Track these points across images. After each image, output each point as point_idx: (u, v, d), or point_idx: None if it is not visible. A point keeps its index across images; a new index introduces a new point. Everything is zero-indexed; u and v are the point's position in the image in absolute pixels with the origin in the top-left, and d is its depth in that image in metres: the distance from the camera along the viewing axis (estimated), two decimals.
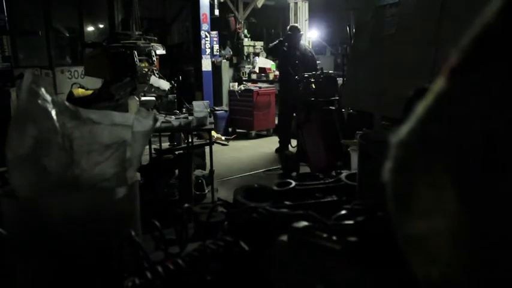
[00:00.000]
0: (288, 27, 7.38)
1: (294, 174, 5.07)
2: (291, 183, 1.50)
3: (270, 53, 8.76)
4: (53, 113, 1.16)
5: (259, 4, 10.33)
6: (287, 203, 1.37)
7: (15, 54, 8.62)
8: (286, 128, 6.83)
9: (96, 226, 1.15)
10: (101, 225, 1.16)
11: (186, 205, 1.19)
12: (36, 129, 1.14)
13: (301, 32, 7.55)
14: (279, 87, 7.72)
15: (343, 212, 1.05)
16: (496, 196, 0.35)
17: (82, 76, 8.78)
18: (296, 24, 7.90)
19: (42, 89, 1.15)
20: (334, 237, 0.93)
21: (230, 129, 9.33)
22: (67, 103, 1.23)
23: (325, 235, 0.95)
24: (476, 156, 0.36)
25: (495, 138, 0.35)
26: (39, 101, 1.14)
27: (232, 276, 1.03)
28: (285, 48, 6.88)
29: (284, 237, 1.00)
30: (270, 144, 7.73)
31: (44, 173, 1.16)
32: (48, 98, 1.16)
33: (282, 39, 7.36)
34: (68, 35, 10.52)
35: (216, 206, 1.26)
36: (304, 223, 1.00)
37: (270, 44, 7.85)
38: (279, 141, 7.06)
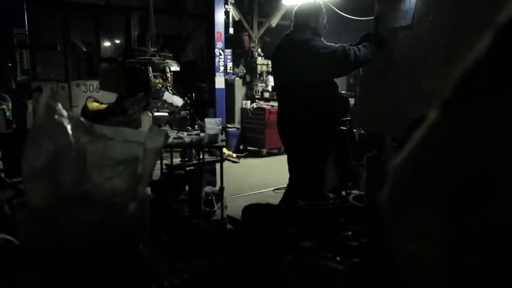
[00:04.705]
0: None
1: None
2: (298, 203, 1.52)
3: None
4: (69, 128, 1.19)
5: (274, 23, 10.45)
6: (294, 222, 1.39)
7: (34, 68, 8.80)
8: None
9: (105, 239, 1.17)
10: (110, 239, 1.18)
11: (194, 221, 1.21)
12: (52, 144, 1.17)
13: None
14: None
15: (348, 233, 1.07)
16: (481, 224, 0.37)
17: (97, 90, 8.91)
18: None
19: (59, 104, 1.18)
20: (338, 258, 0.94)
21: (241, 147, 9.36)
22: (82, 119, 1.27)
23: (329, 255, 0.96)
24: (465, 186, 0.38)
25: (483, 168, 0.37)
26: (56, 117, 1.17)
27: None
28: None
29: (289, 257, 1.02)
30: (281, 162, 7.70)
31: (57, 186, 1.19)
32: (65, 113, 1.19)
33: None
34: (85, 49, 10.72)
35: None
36: (309, 243, 1.01)
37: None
38: None
